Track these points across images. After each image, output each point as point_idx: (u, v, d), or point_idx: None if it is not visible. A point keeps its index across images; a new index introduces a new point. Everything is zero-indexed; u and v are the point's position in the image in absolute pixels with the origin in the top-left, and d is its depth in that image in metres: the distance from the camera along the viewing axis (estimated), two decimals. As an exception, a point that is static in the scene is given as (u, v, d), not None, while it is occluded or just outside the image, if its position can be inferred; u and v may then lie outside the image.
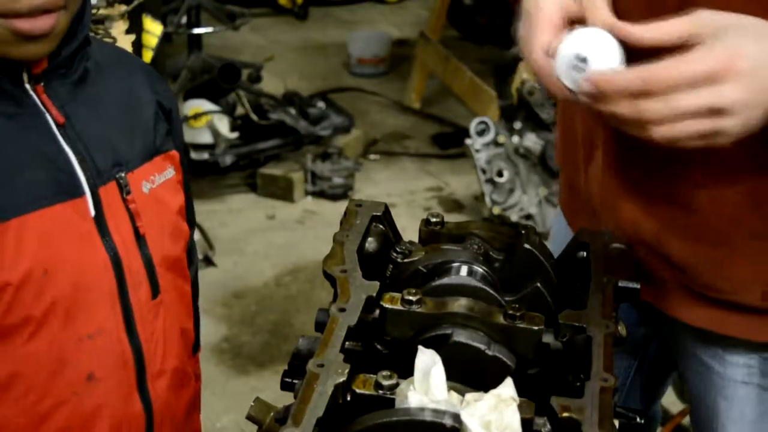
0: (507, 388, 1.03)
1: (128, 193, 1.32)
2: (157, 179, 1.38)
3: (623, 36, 1.16)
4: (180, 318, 1.44)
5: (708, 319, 1.43)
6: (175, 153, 1.43)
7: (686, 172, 1.35)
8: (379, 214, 1.33)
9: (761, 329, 1.40)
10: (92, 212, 1.27)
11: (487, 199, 4.27)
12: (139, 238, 1.33)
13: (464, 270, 1.24)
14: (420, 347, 1.06)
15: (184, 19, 4.87)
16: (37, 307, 1.23)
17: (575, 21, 1.22)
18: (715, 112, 1.11)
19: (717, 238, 1.37)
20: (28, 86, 1.25)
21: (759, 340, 1.41)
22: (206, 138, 4.52)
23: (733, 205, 1.34)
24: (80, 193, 1.26)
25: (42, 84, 1.25)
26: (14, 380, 1.25)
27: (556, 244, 1.48)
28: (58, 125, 1.26)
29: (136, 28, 2.96)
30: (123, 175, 1.32)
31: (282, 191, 4.60)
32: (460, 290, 1.19)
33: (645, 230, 1.42)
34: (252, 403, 1.12)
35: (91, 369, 1.29)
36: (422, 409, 1.00)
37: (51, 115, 1.26)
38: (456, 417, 0.99)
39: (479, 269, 1.24)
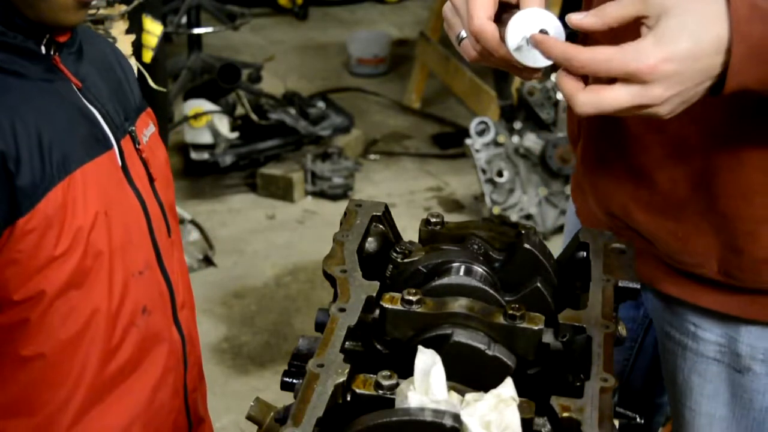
0: (507, 388, 1.03)
1: (138, 143, 1.49)
2: (147, 132, 1.54)
3: (568, 21, 1.21)
4: (182, 256, 1.62)
5: (678, 289, 1.50)
6: (150, 110, 1.59)
7: (647, 151, 1.44)
8: (379, 214, 1.33)
9: (725, 302, 1.47)
10: (119, 162, 1.44)
11: (487, 199, 4.27)
12: (152, 184, 1.51)
13: (464, 270, 1.24)
14: (420, 347, 1.06)
15: (184, 19, 4.87)
16: (105, 246, 1.38)
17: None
18: (638, 107, 1.15)
19: (676, 213, 1.44)
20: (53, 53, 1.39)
21: (724, 312, 1.48)
22: (206, 138, 4.52)
23: (687, 183, 1.42)
24: (110, 146, 1.42)
25: (57, 54, 1.38)
26: (94, 317, 1.39)
27: (568, 230, 1.60)
28: (78, 89, 1.41)
29: (136, 28, 2.96)
30: (133, 128, 1.49)
31: (282, 191, 4.60)
32: (460, 290, 1.19)
33: (615, 203, 1.52)
34: (252, 403, 1.12)
35: (144, 302, 1.46)
36: (422, 409, 1.00)
37: (71, 81, 1.40)
38: (456, 417, 0.99)
39: (479, 269, 1.24)
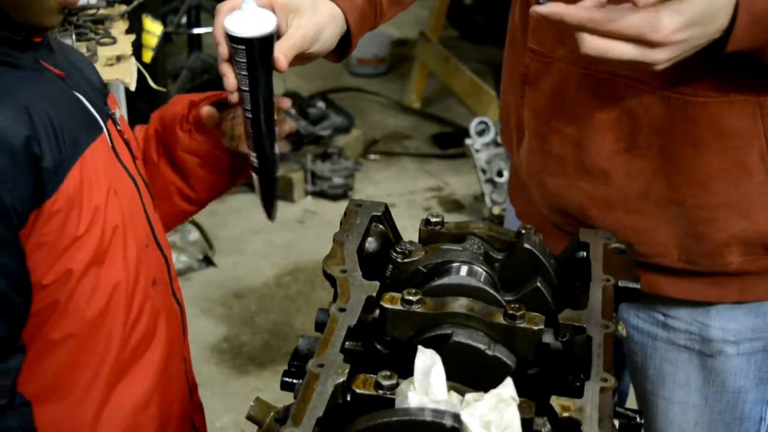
0: (507, 388, 1.03)
1: (118, 125, 1.53)
2: (118, 114, 1.57)
3: None
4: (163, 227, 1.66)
5: (641, 281, 1.50)
6: (112, 95, 1.62)
7: (601, 147, 1.47)
8: (379, 214, 1.33)
9: (689, 289, 1.51)
10: (109, 143, 1.47)
11: (487, 199, 4.27)
12: (135, 162, 1.55)
13: (464, 270, 1.24)
14: (420, 347, 1.06)
15: (184, 19, 4.87)
16: (119, 222, 1.42)
17: None
18: (640, 62, 1.25)
19: (632, 206, 1.48)
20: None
21: (690, 299, 1.52)
22: (206, 138, 4.51)
23: (644, 175, 1.46)
24: (101, 129, 1.46)
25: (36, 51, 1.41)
26: (115, 292, 1.42)
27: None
28: (62, 79, 1.43)
29: (136, 28, 2.96)
30: (113, 111, 1.52)
31: (282, 191, 4.60)
32: (460, 290, 1.19)
33: (569, 202, 1.54)
34: (252, 403, 1.12)
35: (153, 275, 1.51)
36: (422, 409, 1.00)
37: (54, 72, 1.43)
38: (456, 417, 0.99)
39: (479, 269, 1.24)
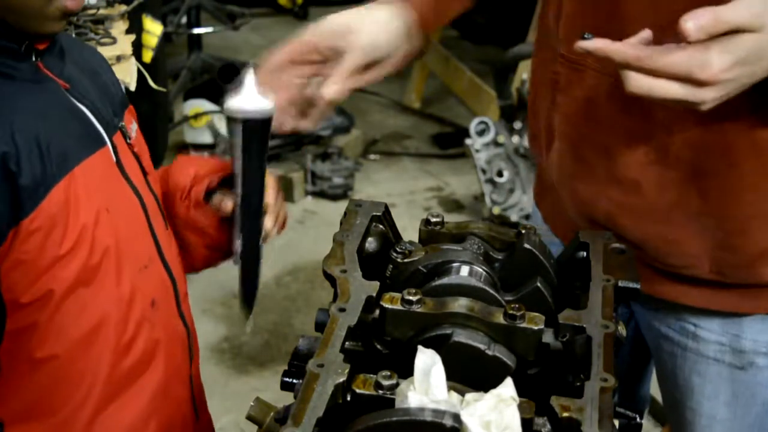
0: (507, 388, 1.03)
1: (130, 138, 1.49)
2: (133, 128, 1.54)
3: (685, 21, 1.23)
4: (177, 248, 1.62)
5: (670, 292, 1.51)
6: (132, 106, 1.59)
7: (633, 157, 1.44)
8: (379, 214, 1.33)
9: (720, 300, 1.48)
10: (113, 158, 1.43)
11: (487, 199, 4.27)
12: (146, 177, 1.51)
13: (464, 270, 1.23)
14: (420, 347, 1.06)
15: (184, 19, 4.88)
16: (111, 242, 1.38)
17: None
18: (687, 102, 1.20)
19: (663, 217, 1.45)
20: (34, 60, 1.39)
21: (721, 309, 1.49)
22: (206, 138, 4.52)
23: (677, 186, 1.42)
24: (104, 142, 1.42)
25: (39, 60, 1.38)
26: (106, 314, 1.39)
27: None
28: (65, 90, 1.40)
29: (136, 28, 2.96)
30: (123, 123, 1.48)
31: (282, 191, 4.60)
32: (460, 290, 1.19)
33: (598, 210, 1.51)
34: (252, 403, 1.12)
35: (152, 296, 1.46)
36: (422, 409, 1.00)
37: (57, 82, 1.40)
38: (456, 417, 0.99)
39: (479, 269, 1.24)
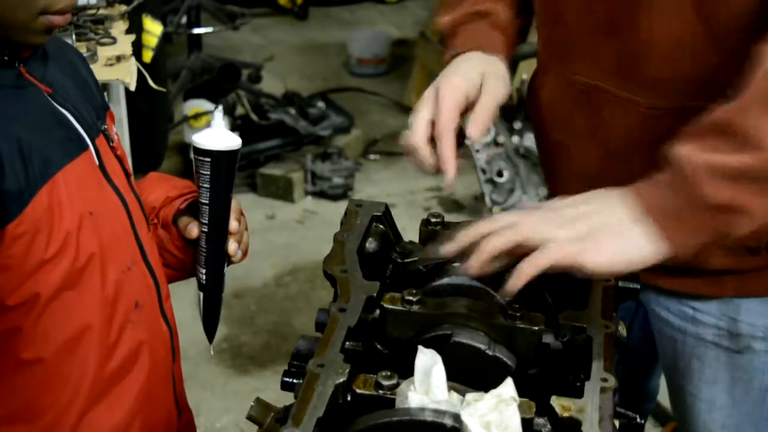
0: (507, 388, 1.03)
1: (112, 141, 1.50)
2: (115, 130, 1.54)
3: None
4: (157, 249, 1.62)
5: (678, 283, 1.54)
6: (112, 111, 1.59)
7: (589, 154, 1.51)
8: (379, 214, 1.34)
9: (726, 286, 1.52)
10: (96, 162, 1.43)
11: (487, 199, 4.27)
12: (129, 179, 1.52)
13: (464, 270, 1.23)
14: (420, 347, 1.06)
15: (184, 19, 4.87)
16: (95, 246, 1.38)
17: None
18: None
19: None
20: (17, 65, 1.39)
21: (726, 296, 1.53)
22: (206, 138, 4.51)
23: (636, 177, 1.45)
24: (86, 146, 1.42)
25: (23, 65, 1.39)
26: (90, 317, 1.39)
27: None
28: (48, 95, 1.40)
29: (136, 28, 2.96)
30: (105, 126, 1.49)
31: (282, 191, 4.59)
32: (460, 290, 1.19)
33: None
34: (252, 404, 1.12)
35: (135, 297, 1.46)
36: (422, 409, 1.00)
37: (40, 88, 1.40)
38: (456, 417, 0.99)
39: (479, 269, 1.24)
